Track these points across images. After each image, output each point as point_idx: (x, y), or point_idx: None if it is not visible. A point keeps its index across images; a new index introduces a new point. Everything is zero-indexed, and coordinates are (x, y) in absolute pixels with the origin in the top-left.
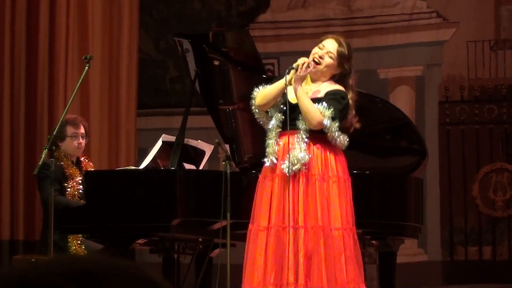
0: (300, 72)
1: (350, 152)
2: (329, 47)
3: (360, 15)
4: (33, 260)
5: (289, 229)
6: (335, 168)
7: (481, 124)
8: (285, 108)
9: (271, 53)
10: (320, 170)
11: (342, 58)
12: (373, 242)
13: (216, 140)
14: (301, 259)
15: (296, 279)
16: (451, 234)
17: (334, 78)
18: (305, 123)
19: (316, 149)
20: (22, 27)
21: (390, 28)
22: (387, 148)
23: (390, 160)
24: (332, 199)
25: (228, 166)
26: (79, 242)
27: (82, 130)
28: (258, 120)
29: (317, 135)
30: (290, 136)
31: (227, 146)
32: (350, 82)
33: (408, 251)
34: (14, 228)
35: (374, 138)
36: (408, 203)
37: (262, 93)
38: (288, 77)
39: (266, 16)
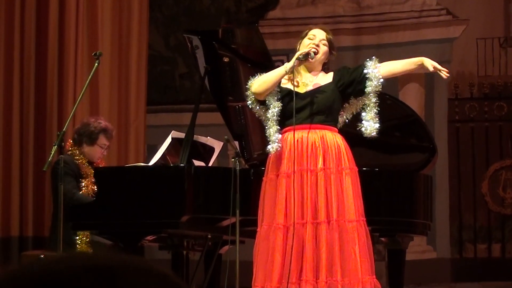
0: (318, 55)
1: (359, 150)
2: (320, 35)
3: (370, 12)
4: (42, 256)
5: (308, 225)
6: (347, 159)
7: (491, 121)
8: (287, 99)
9: (280, 50)
10: (334, 163)
11: (331, 44)
12: (382, 239)
13: (226, 137)
14: (323, 255)
15: (317, 276)
16: (460, 231)
17: (324, 68)
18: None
19: (330, 141)
20: (31, 24)
21: (400, 25)
22: (396, 145)
23: (399, 157)
24: (346, 191)
25: (237, 163)
26: (87, 240)
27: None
28: (254, 111)
29: (329, 127)
30: (314, 130)
31: (236, 143)
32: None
33: (417, 248)
34: (23, 224)
35: (383, 135)
36: (417, 200)
37: (260, 80)
38: (289, 64)
39: (276, 13)
